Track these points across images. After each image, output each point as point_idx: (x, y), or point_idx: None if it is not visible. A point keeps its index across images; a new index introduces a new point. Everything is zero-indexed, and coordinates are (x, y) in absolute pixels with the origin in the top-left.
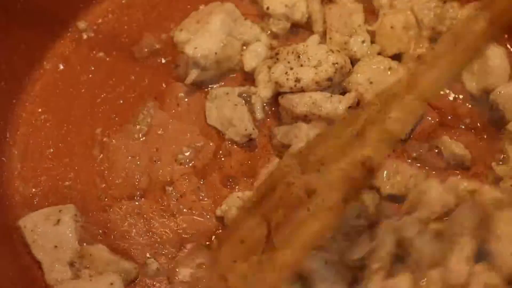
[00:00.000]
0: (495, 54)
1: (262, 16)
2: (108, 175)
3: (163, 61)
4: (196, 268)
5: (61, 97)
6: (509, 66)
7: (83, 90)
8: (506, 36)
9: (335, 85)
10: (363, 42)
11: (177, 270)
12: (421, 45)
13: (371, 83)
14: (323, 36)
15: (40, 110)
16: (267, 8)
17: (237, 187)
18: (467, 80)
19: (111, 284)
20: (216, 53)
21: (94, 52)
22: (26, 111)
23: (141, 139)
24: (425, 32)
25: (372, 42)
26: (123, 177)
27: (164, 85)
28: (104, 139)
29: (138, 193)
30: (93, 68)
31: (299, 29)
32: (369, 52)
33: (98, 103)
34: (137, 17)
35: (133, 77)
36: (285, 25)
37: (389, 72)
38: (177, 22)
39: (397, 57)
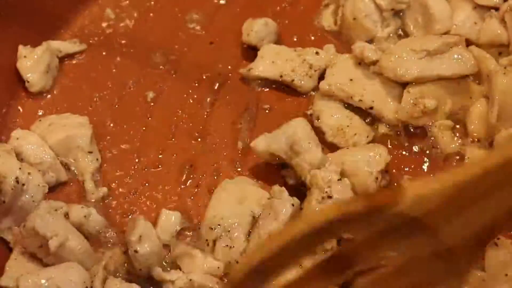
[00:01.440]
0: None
1: None
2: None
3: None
4: None
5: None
6: (449, 6)
7: (84, 87)
8: None
9: None
10: None
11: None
12: (387, 24)
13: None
14: None
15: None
16: None
17: None
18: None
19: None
20: None
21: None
22: (25, 106)
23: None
24: (386, 13)
25: None
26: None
27: None
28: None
29: None
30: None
31: None
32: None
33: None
34: None
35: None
36: None
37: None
38: None
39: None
